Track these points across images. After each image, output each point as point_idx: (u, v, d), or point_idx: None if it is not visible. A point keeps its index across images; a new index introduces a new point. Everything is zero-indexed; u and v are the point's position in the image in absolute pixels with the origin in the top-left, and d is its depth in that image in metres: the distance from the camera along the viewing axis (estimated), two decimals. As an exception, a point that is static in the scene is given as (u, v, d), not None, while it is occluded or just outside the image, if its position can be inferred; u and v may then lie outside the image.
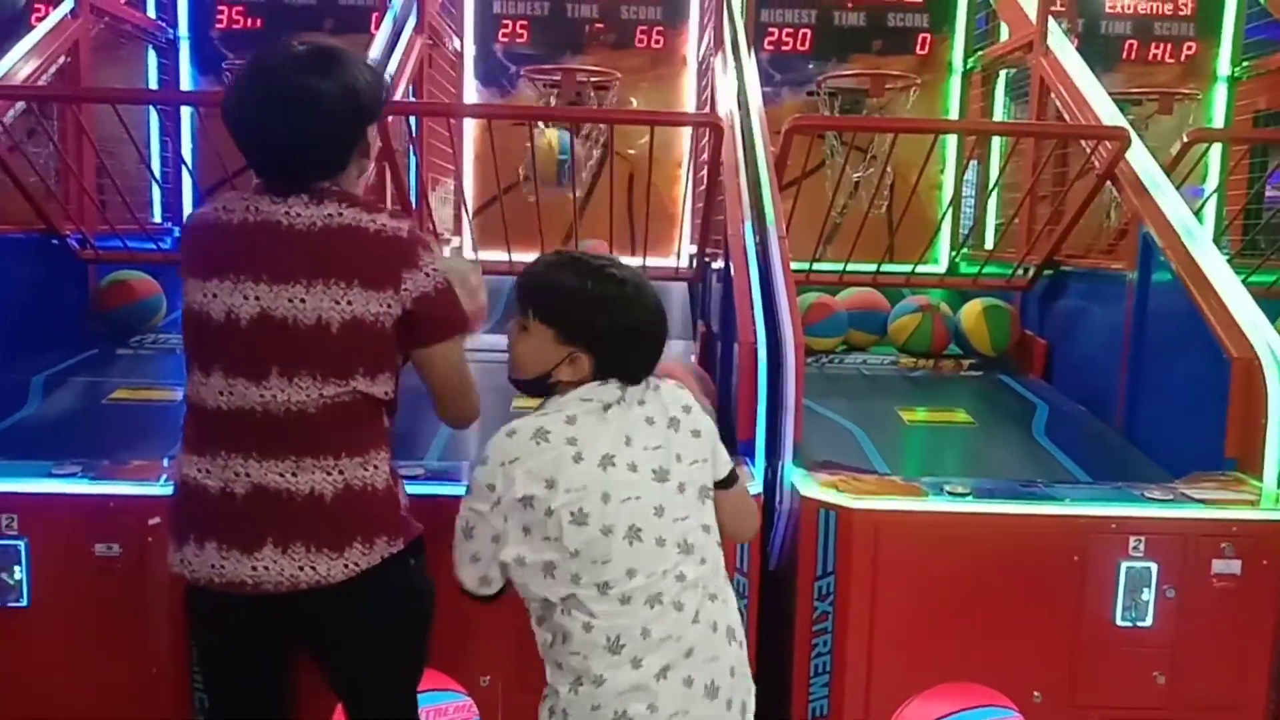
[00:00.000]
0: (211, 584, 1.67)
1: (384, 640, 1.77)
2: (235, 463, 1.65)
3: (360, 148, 1.73)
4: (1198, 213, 3.41)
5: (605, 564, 1.58)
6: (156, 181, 4.03)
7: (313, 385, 1.64)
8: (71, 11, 3.67)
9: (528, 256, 3.57)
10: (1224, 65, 4.77)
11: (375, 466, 1.71)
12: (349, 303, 1.64)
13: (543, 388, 1.69)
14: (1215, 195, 4.16)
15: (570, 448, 1.60)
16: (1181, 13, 4.79)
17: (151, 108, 4.22)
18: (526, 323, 1.68)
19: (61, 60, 3.60)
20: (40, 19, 3.78)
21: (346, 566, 1.66)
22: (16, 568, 2.13)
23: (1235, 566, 2.22)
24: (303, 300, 1.63)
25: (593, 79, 4.36)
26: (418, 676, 1.87)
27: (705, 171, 3.73)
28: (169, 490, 2.12)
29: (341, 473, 1.66)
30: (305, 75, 1.63)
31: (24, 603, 2.14)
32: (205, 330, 1.67)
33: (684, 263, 4.09)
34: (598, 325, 1.64)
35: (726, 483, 1.75)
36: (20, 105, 3.34)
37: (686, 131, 4.57)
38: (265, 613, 1.69)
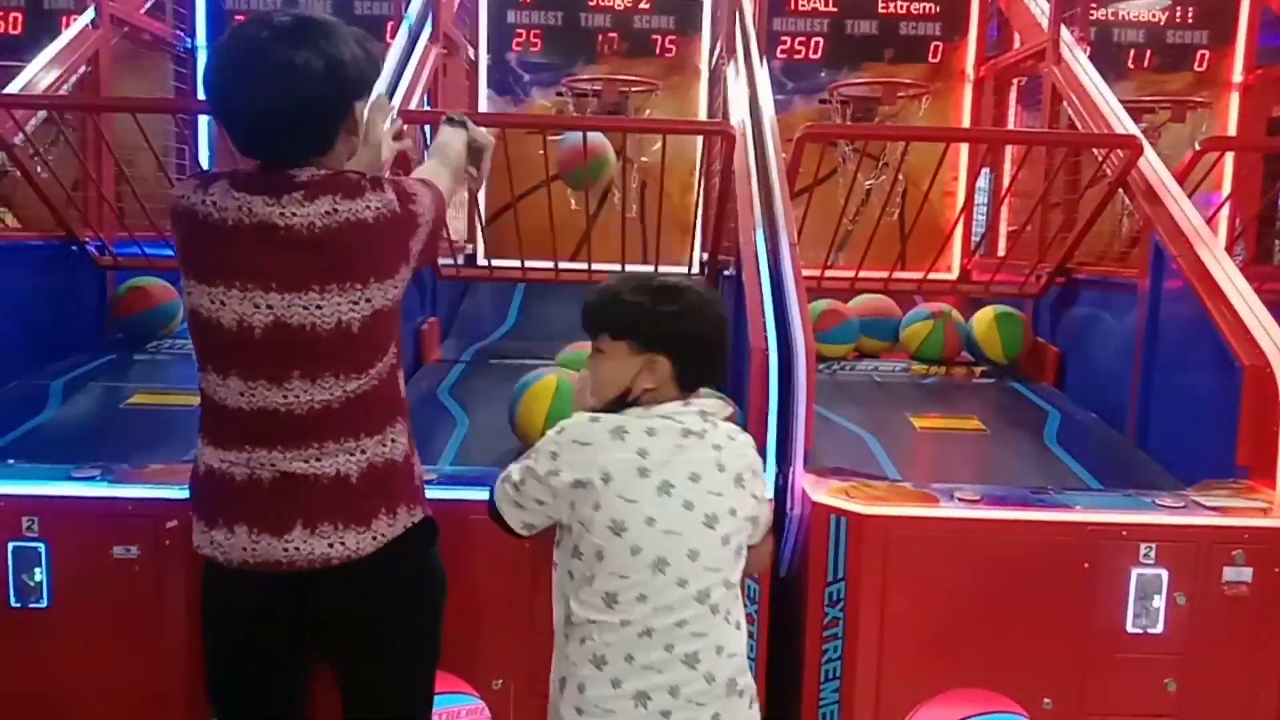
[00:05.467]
0: (246, 565, 1.68)
1: (404, 620, 1.77)
2: (260, 454, 1.66)
3: (347, 125, 1.65)
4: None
5: (621, 579, 1.61)
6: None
7: (336, 384, 1.64)
8: (92, 22, 3.73)
9: (540, 265, 3.65)
10: (1236, 72, 4.77)
11: (394, 440, 1.72)
12: (368, 300, 1.62)
13: (626, 405, 1.70)
14: (1227, 203, 4.15)
15: (639, 459, 1.63)
16: (1193, 21, 4.78)
17: (169, 116, 4.26)
18: (601, 346, 1.71)
19: (82, 70, 3.66)
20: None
21: (375, 538, 1.68)
22: (37, 569, 2.15)
23: (1246, 574, 2.21)
24: (319, 307, 1.60)
25: (634, 88, 4.40)
26: (434, 669, 1.85)
27: (718, 179, 3.75)
28: (186, 493, 2.17)
29: (364, 452, 1.68)
30: (285, 47, 1.55)
31: (44, 604, 2.17)
32: (216, 336, 1.63)
33: (696, 269, 4.10)
34: (668, 328, 1.68)
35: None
36: (42, 114, 3.40)
37: (699, 139, 4.59)
38: (291, 590, 1.68)
